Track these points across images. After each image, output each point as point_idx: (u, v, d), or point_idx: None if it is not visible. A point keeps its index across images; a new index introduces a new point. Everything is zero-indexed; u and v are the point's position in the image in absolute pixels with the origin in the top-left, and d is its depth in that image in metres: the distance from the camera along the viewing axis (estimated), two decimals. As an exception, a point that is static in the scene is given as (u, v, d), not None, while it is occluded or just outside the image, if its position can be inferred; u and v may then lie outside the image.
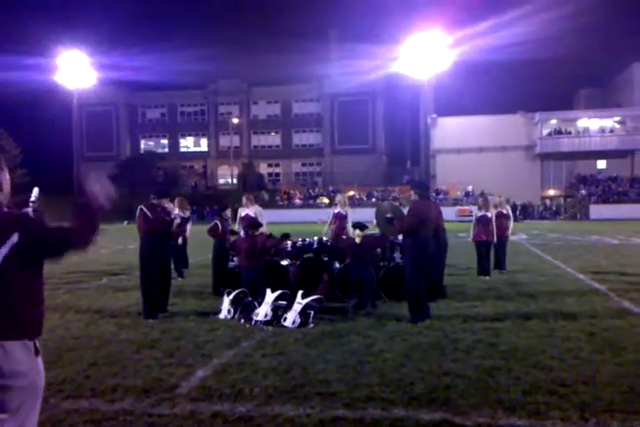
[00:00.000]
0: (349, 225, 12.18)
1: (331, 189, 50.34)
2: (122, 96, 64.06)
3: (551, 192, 50.03)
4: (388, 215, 7.16)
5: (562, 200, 48.54)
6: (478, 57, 44.66)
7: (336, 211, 12.30)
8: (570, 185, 48.77)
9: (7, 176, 2.64)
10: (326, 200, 44.96)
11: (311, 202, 47.81)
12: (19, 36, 64.81)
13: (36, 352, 2.51)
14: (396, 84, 56.52)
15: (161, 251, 7.42)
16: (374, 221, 7.66)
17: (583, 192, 44.22)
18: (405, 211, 7.25)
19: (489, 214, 11.04)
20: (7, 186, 2.61)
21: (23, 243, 2.38)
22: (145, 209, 7.28)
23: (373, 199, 46.76)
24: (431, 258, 7.16)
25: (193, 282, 10.57)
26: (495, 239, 11.15)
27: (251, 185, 55.28)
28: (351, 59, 51.79)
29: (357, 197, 48.86)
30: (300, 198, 49.86)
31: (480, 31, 43.73)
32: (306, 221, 36.07)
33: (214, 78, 63.01)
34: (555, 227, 31.00)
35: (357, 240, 7.75)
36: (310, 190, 51.77)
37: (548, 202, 48.45)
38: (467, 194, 46.18)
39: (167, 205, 7.87)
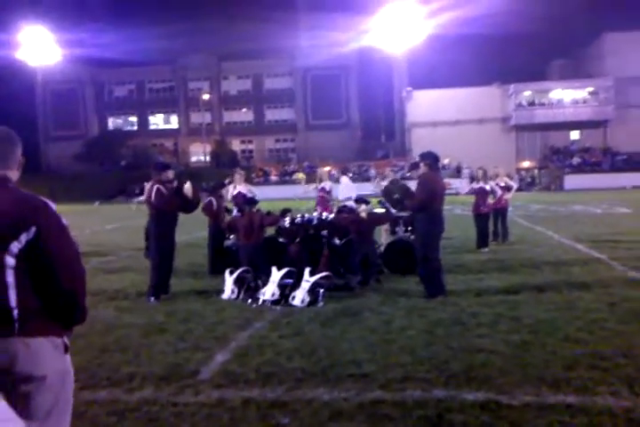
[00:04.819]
0: (336, 200, 12.07)
1: (306, 164, 49.84)
2: (88, 73, 61.98)
3: (526, 164, 50.33)
4: (396, 196, 7.31)
5: (536, 171, 48.89)
6: (454, 29, 43.95)
7: (320, 186, 12.22)
8: (544, 157, 49.09)
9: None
10: (302, 176, 44.49)
11: (287, 178, 47.29)
12: (-24, 11, 62.18)
13: (66, 350, 2.18)
14: (369, 57, 55.68)
15: (171, 229, 7.20)
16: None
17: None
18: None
19: (487, 187, 10.97)
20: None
21: (38, 240, 2.02)
22: (162, 188, 6.96)
23: (350, 174, 46.41)
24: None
25: (185, 261, 10.20)
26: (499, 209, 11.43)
27: (224, 162, 54.44)
28: (322, 29, 50.53)
29: (333, 172, 48.45)
30: (276, 175, 49.31)
31: (455, 2, 43.04)
32: (283, 198, 35.74)
33: (183, 53, 61.28)
34: (533, 198, 31.19)
35: (363, 215, 7.50)
36: (286, 167, 51.21)
37: (523, 173, 48.74)
38: (443, 167, 46.10)
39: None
